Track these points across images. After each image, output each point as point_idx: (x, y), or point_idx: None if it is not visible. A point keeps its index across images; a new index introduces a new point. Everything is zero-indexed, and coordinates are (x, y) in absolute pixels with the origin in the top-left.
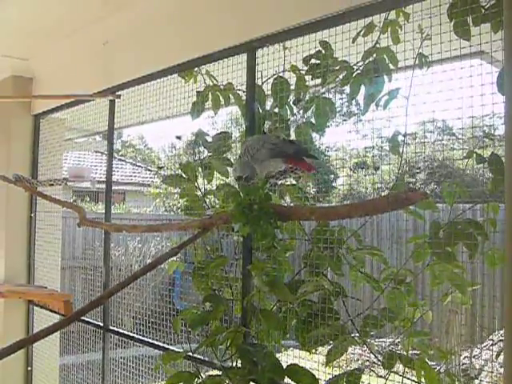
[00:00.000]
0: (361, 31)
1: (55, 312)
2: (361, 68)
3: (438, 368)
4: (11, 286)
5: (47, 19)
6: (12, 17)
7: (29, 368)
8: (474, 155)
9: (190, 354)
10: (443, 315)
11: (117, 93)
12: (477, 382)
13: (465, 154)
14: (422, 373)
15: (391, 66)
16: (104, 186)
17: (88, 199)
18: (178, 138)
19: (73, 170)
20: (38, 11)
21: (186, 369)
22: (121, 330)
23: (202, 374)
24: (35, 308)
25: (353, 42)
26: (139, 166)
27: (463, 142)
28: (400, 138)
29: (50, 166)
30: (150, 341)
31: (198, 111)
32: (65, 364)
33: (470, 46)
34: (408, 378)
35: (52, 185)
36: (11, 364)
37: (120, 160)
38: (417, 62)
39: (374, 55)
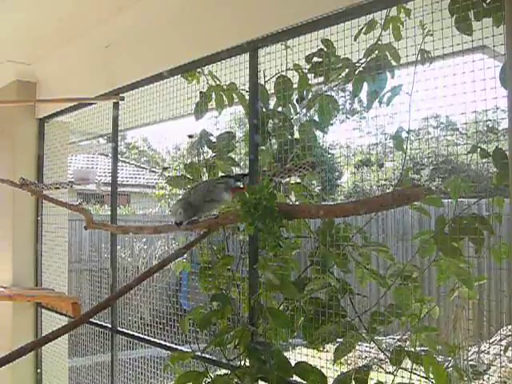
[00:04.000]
0: (362, 28)
1: (63, 314)
2: (363, 65)
3: (446, 363)
4: (19, 289)
5: (49, 24)
6: (15, 22)
7: (38, 370)
8: (478, 150)
9: (199, 353)
10: (450, 310)
11: (120, 95)
12: (486, 377)
13: (469, 149)
14: (430, 368)
15: (393, 63)
16: (109, 188)
17: (93, 201)
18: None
19: (78, 173)
20: (40, 16)
21: (194, 369)
22: (129, 331)
23: (210, 374)
24: (43, 311)
25: (355, 40)
26: (143, 168)
27: (467, 137)
28: (404, 134)
29: (56, 169)
30: (158, 341)
31: (201, 111)
32: (74, 366)
33: (472, 41)
34: (416, 374)
35: (58, 188)
36: (21, 366)
37: (124, 162)
38: (419, 57)
39: (376, 52)
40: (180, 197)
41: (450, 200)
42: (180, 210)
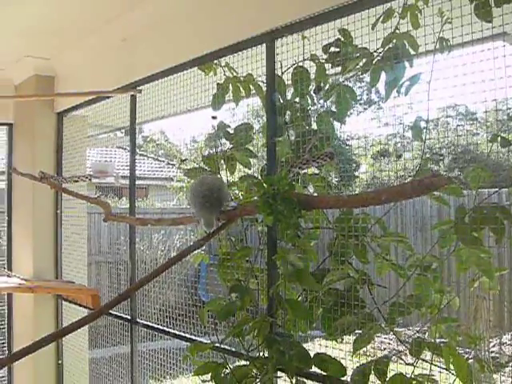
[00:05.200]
0: (380, 17)
1: (83, 306)
2: (381, 55)
3: (466, 355)
4: (40, 281)
5: (67, 18)
6: (33, 18)
7: (59, 361)
8: (499, 139)
9: (217, 344)
10: (471, 301)
11: (137, 88)
12: (508, 369)
13: (489, 138)
14: (451, 359)
15: (412, 52)
16: (127, 181)
17: (111, 195)
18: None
19: (96, 166)
20: (57, 11)
21: (213, 360)
22: (148, 323)
23: (229, 365)
24: (64, 303)
25: (372, 29)
26: (161, 161)
27: (487, 126)
28: (422, 124)
29: (74, 162)
30: (178, 333)
31: (218, 103)
32: (94, 357)
33: (492, 28)
34: (436, 365)
35: (77, 181)
36: (43, 358)
37: (142, 155)
38: (437, 46)
39: (394, 41)
40: (200, 198)
41: (469, 190)
42: (212, 220)
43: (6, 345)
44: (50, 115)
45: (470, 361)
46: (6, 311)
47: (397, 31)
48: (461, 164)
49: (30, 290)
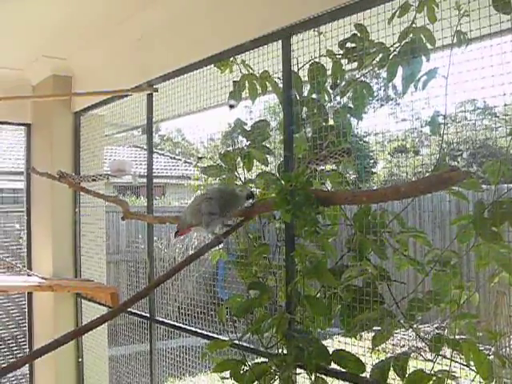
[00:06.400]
0: (396, 12)
1: (102, 304)
2: (397, 49)
3: (486, 351)
4: (60, 280)
5: (82, 19)
6: (49, 18)
7: (79, 359)
8: None
9: (236, 341)
10: (491, 297)
11: (154, 86)
12: None
13: (508, 132)
14: (471, 356)
15: (429, 46)
16: (144, 180)
17: (129, 193)
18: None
19: (114, 165)
20: (72, 12)
21: (232, 357)
22: (167, 321)
23: (248, 362)
24: (83, 301)
25: (388, 24)
26: (178, 159)
27: (506, 120)
28: (440, 118)
29: (92, 161)
30: (196, 330)
31: (235, 101)
32: (113, 355)
33: (511, 20)
34: (456, 362)
35: (95, 180)
36: (63, 356)
37: (158, 154)
38: (455, 39)
39: (411, 35)
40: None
41: (488, 186)
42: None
43: (26, 343)
44: (67, 115)
45: (491, 357)
46: (27, 310)
47: (413, 25)
48: (479, 159)
49: (49, 288)
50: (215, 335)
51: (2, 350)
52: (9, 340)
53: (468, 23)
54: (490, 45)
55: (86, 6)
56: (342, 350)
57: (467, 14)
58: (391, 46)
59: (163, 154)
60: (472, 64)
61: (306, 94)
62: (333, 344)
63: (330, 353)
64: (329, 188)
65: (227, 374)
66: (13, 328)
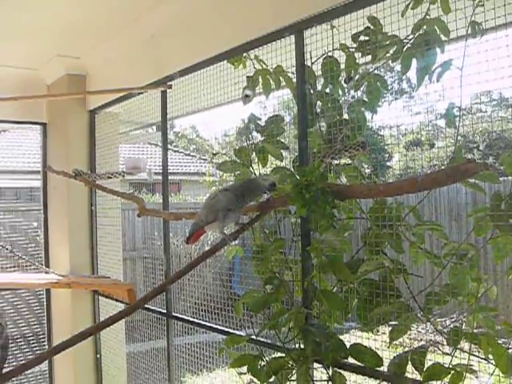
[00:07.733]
0: (409, 3)
1: (119, 301)
2: (411, 41)
3: (505, 345)
4: (77, 277)
5: (95, 18)
6: (62, 18)
7: (97, 355)
8: None
9: (253, 337)
10: (509, 290)
11: (168, 83)
12: None
13: None
14: (490, 349)
15: (443, 37)
16: (160, 176)
17: (144, 190)
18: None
19: (129, 162)
20: (85, 10)
21: (249, 352)
22: (184, 317)
23: (265, 357)
24: (100, 298)
25: (402, 16)
26: (193, 156)
27: None
28: (455, 110)
29: (107, 159)
30: (213, 326)
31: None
32: (131, 351)
33: None
34: (474, 355)
35: (110, 177)
36: (81, 352)
37: (173, 151)
38: (469, 30)
39: (425, 27)
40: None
41: (505, 177)
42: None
43: (46, 339)
44: (82, 113)
45: (510, 350)
46: (45, 307)
47: (427, 17)
48: (496, 151)
49: (67, 285)
50: (232, 330)
51: (23, 347)
52: (30, 337)
53: (483, 13)
54: (505, 35)
55: (99, 4)
56: (359, 344)
57: (481, 3)
58: (405, 39)
59: (178, 151)
60: (487, 55)
61: (319, 88)
62: (350, 338)
63: (347, 347)
64: (344, 182)
65: (244, 369)
66: (35, 325)
